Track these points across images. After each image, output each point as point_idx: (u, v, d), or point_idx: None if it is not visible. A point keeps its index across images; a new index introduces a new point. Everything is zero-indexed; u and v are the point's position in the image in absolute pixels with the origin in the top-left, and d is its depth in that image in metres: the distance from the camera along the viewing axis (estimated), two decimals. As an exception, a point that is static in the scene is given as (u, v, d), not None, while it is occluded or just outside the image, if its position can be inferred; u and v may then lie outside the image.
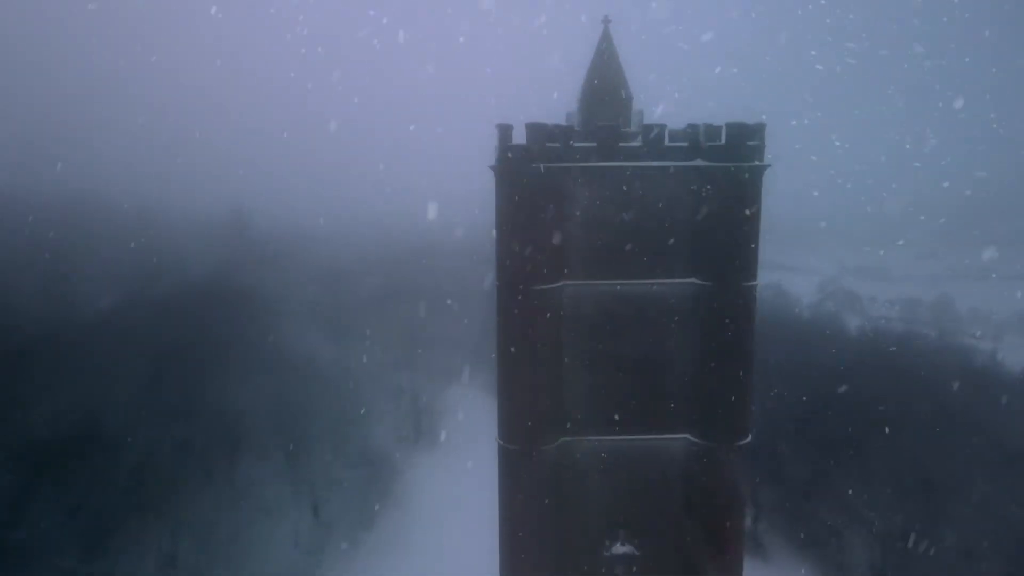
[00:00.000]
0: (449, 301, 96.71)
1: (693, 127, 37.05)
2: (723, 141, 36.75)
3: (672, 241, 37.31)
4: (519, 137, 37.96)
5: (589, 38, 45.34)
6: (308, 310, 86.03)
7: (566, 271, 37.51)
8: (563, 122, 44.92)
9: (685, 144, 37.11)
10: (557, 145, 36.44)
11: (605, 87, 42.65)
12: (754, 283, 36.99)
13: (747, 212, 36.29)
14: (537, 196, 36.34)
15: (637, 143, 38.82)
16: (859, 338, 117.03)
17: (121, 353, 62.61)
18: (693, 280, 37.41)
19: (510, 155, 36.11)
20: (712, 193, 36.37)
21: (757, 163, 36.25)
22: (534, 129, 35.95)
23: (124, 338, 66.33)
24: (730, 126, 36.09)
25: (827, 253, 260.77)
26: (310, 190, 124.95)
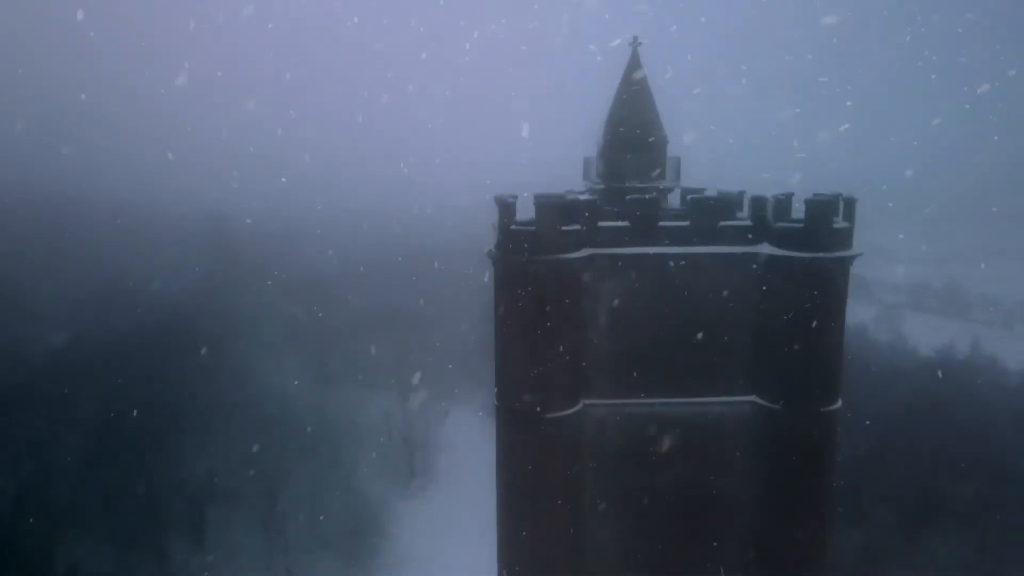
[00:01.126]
0: (445, 312, 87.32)
1: (759, 201, 27.06)
2: (794, 215, 26.97)
3: (727, 349, 27.58)
4: (523, 199, 28.22)
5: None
6: (288, 332, 76.45)
7: (587, 389, 27.83)
8: (581, 166, 35.31)
9: (747, 222, 27.19)
10: (577, 228, 26.49)
11: (633, 127, 32.57)
12: (835, 406, 27.30)
13: (829, 315, 26.50)
14: (549, 293, 26.51)
15: (680, 218, 29.01)
16: (883, 340, 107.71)
17: (64, 414, 53.22)
18: (754, 399, 27.75)
19: (512, 244, 26.17)
20: (783, 289, 26.53)
21: (844, 252, 26.34)
22: (546, 208, 25.94)
23: (74, 387, 56.89)
24: (811, 204, 26.07)
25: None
26: (294, 198, 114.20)
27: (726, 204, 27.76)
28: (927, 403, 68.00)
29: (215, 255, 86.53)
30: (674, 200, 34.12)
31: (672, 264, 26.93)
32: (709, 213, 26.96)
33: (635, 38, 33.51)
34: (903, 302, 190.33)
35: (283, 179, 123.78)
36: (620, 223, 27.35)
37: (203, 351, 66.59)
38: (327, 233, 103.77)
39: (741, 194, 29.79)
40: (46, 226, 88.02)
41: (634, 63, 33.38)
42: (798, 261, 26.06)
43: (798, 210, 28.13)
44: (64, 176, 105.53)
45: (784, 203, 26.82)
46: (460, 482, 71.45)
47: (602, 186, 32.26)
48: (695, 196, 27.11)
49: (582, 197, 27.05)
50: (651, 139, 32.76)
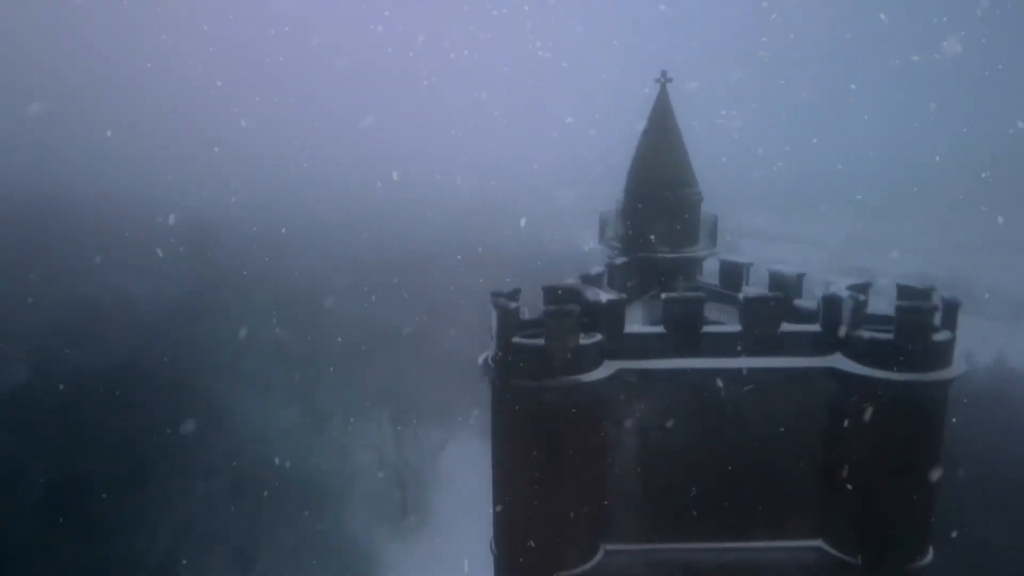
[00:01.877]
0: (443, 328, 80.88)
1: (832, 301, 20.74)
2: (872, 316, 20.83)
3: (787, 483, 21.43)
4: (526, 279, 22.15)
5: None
6: (274, 355, 70.13)
7: (610, 531, 21.71)
8: (597, 225, 28.92)
9: (816, 328, 20.93)
10: (597, 339, 20.20)
11: (661, 182, 26.25)
12: (925, 560, 21.17)
13: (921, 450, 20.32)
14: (563, 423, 20.30)
15: (719, 303, 22.83)
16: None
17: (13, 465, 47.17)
18: (821, 545, 21.64)
19: (515, 364, 19.86)
20: (862, 416, 20.29)
21: (945, 374, 20.04)
22: (558, 318, 19.59)
23: (27, 434, 50.80)
24: (905, 312, 19.77)
25: (833, 222, 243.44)
26: (283, 205, 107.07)
27: (787, 303, 21.51)
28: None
29: (195, 270, 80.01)
30: (710, 269, 27.85)
31: (719, 381, 20.68)
32: (767, 317, 20.66)
33: (663, 73, 26.99)
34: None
35: (272, 185, 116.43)
36: (653, 329, 21.09)
37: (178, 382, 60.62)
38: (318, 243, 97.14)
39: (801, 276, 23.62)
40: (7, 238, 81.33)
41: (662, 105, 26.92)
42: (884, 383, 19.79)
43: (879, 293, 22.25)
44: (34, 179, 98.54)
45: (863, 304, 20.55)
46: (458, 521, 65.64)
47: (623, 258, 25.92)
48: (750, 297, 20.73)
49: (604, 297, 20.65)
50: (683, 198, 26.41)
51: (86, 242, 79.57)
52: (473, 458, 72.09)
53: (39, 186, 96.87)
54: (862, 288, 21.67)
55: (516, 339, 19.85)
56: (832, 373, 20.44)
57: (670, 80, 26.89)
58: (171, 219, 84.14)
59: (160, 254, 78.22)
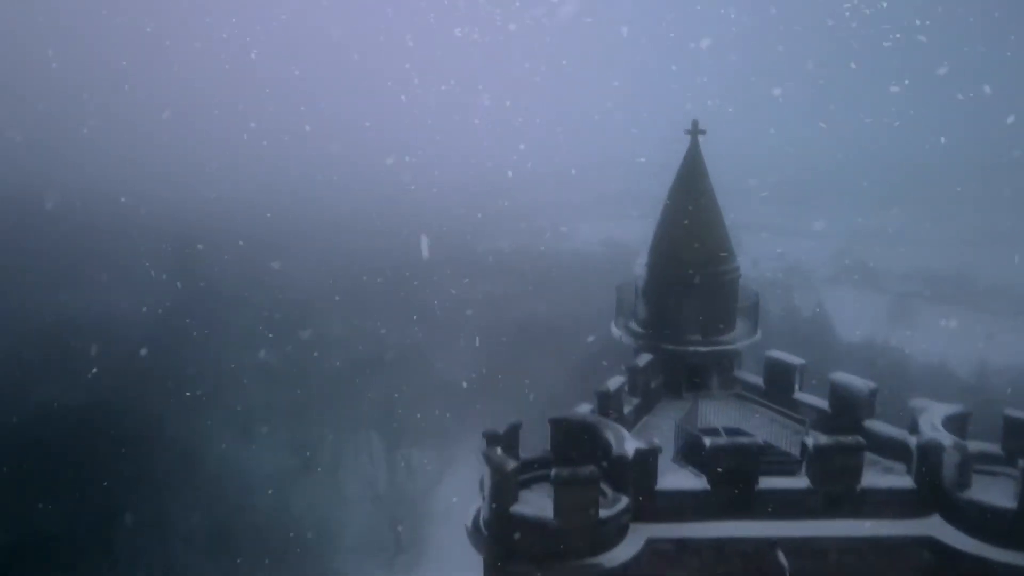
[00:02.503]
0: (440, 346, 75.98)
1: (930, 452, 15.62)
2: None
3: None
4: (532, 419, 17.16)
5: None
6: (259, 382, 64.95)
7: None
8: (616, 300, 23.77)
9: (910, 484, 15.85)
10: (622, 506, 15.11)
11: (691, 257, 21.08)
12: None
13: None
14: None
15: (777, 436, 17.85)
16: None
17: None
18: None
19: (516, 544, 14.75)
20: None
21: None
22: (569, 487, 14.43)
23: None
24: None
25: (837, 214, 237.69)
26: (272, 214, 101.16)
27: (856, 422, 16.47)
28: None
29: (176, 286, 74.55)
30: (751, 360, 22.69)
31: (780, 553, 15.62)
32: (843, 469, 15.57)
33: (695, 124, 21.73)
34: (914, 291, 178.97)
35: (257, 190, 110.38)
36: (694, 484, 15.99)
37: (152, 419, 55.63)
38: (307, 251, 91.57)
39: (874, 392, 18.53)
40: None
41: (693, 162, 21.71)
42: (1000, 567, 14.73)
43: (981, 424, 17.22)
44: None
45: (971, 458, 15.44)
46: (453, 557, 60.93)
47: (646, 356, 20.77)
48: (822, 446, 15.56)
49: (629, 447, 15.50)
50: (719, 277, 21.27)
51: (53, 256, 73.94)
52: (472, 487, 67.54)
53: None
54: (961, 421, 16.62)
55: (515, 510, 14.76)
56: (929, 544, 15.41)
57: (703, 132, 21.69)
58: (149, 225, 78.74)
59: (137, 269, 72.79)
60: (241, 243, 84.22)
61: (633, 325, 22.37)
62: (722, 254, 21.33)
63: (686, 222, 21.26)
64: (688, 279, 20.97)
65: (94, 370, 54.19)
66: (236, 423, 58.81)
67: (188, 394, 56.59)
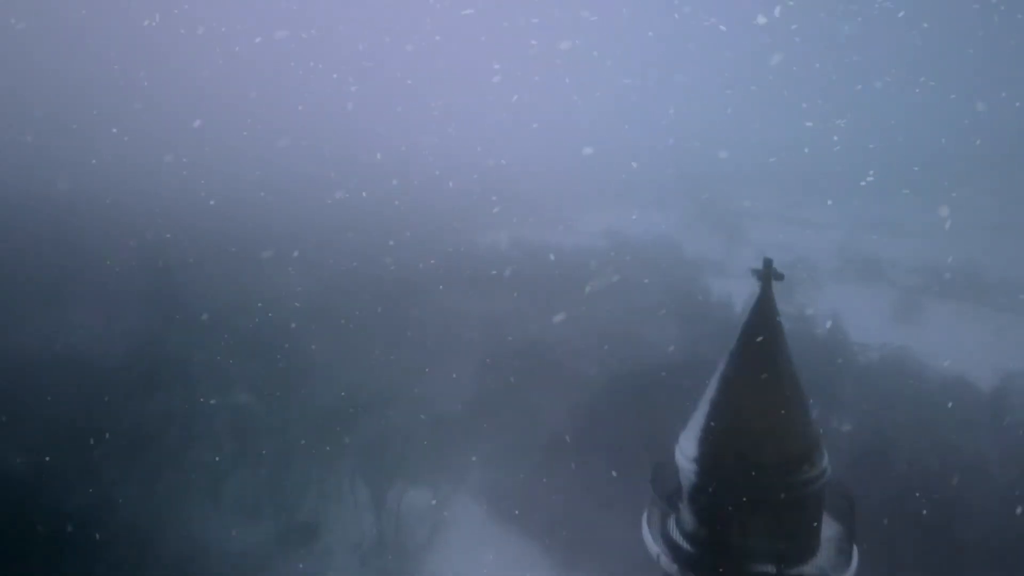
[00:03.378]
0: (441, 373, 69.23)
1: None
2: None
3: None
4: None
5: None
6: (235, 434, 58.29)
7: None
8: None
9: None
10: None
11: (764, 455, 14.38)
12: None
13: None
14: None
15: None
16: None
17: None
18: None
19: None
20: None
21: None
22: None
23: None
24: None
25: (840, 202, 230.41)
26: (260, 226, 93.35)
27: None
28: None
29: (144, 317, 67.34)
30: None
31: None
32: None
33: (768, 264, 14.89)
34: (919, 284, 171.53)
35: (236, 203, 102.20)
36: None
37: (107, 488, 49.07)
38: (296, 266, 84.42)
39: None
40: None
41: (766, 319, 14.90)
42: None
43: None
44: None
45: None
46: None
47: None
48: None
49: None
50: (801, 486, 14.59)
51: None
52: (473, 531, 61.14)
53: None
54: None
55: None
56: None
57: (780, 277, 14.85)
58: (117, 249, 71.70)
59: (100, 298, 65.64)
60: (233, 249, 77.15)
61: (675, 533, 15.73)
62: (806, 453, 14.65)
63: (756, 407, 14.55)
64: (762, 491, 14.32)
65: (35, 426, 47.33)
66: (205, 484, 52.16)
67: (150, 454, 49.98)
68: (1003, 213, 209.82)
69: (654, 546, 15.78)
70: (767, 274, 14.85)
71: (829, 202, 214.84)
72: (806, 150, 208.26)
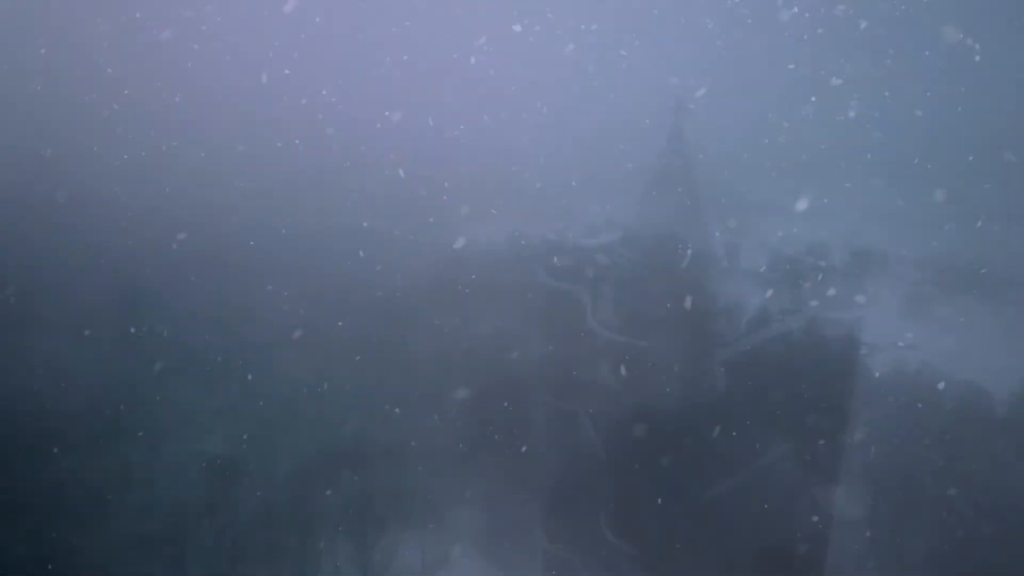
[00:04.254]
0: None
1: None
2: None
3: None
4: None
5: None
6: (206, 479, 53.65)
7: None
8: None
9: None
10: None
11: None
12: None
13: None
14: None
15: None
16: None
17: None
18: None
19: None
20: None
21: None
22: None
23: None
24: None
25: (843, 192, 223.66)
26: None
27: None
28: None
29: (121, 349, 62.52)
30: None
31: None
32: None
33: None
34: (927, 279, 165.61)
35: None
36: None
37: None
38: (287, 281, 78.81)
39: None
40: None
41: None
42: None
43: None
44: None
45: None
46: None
47: None
48: None
49: None
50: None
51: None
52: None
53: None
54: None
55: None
56: None
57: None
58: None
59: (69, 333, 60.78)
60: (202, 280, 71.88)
61: None
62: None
63: None
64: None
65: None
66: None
67: (112, 526, 45.29)
68: (1014, 205, 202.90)
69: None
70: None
71: (837, 194, 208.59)
72: (815, 140, 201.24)
